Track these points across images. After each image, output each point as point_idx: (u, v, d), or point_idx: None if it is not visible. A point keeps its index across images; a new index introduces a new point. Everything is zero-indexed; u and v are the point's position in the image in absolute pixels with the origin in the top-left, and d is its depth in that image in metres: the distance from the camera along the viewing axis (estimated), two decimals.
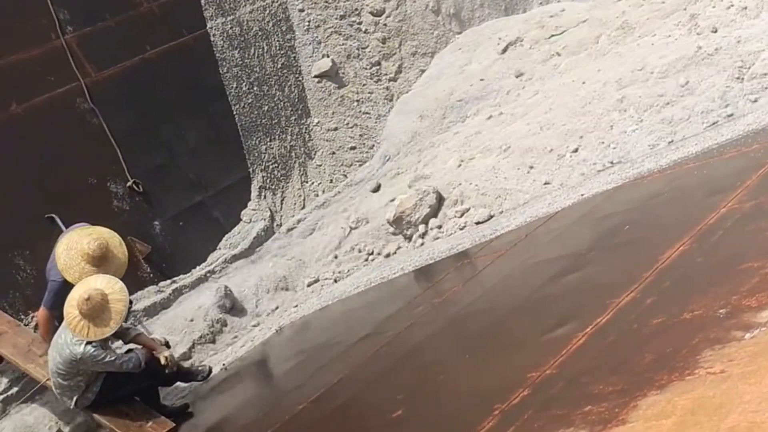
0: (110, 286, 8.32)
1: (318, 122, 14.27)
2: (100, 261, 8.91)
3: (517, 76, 13.90)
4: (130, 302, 8.80)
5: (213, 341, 11.04)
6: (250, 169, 13.21)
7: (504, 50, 14.67)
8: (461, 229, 10.63)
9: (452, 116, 14.00)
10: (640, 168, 9.13)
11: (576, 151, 10.67)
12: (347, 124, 14.42)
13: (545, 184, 10.39)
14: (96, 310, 8.05)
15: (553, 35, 14.37)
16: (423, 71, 15.59)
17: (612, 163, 10.00)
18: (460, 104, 14.05)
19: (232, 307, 11.35)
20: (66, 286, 8.79)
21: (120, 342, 9.12)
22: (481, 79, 14.25)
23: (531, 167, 10.90)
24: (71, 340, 8.13)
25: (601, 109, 11.17)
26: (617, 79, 11.56)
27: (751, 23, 11.18)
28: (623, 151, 10.13)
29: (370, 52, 15.23)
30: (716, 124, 9.51)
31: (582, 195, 9.19)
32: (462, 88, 14.28)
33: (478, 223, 10.57)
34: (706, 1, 12.44)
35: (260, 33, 14.28)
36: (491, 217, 10.52)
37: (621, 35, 13.28)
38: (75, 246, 8.97)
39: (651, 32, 12.67)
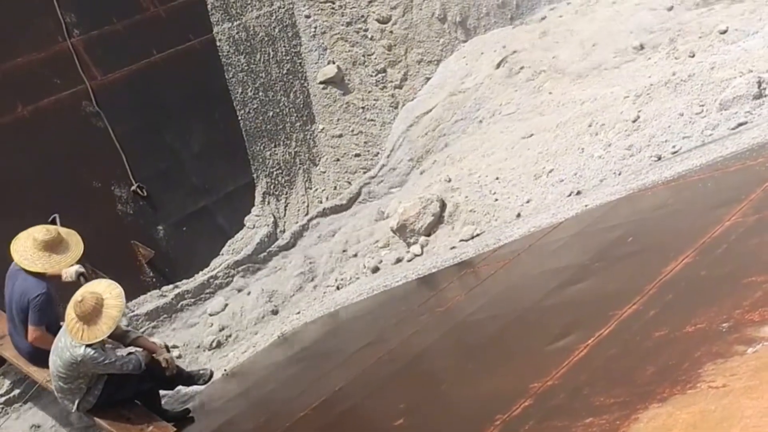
0: (109, 290, 8.31)
1: (323, 129, 14.28)
2: (52, 245, 8.99)
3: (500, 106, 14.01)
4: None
5: None
6: (254, 175, 13.21)
7: (498, 65, 14.72)
8: (452, 248, 10.69)
9: (437, 144, 14.13)
10: (612, 189, 9.21)
11: (551, 172, 10.78)
12: (352, 130, 14.43)
13: (527, 202, 10.57)
14: (89, 314, 8.05)
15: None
16: (428, 79, 15.60)
17: (577, 191, 10.16)
18: (443, 138, 14.17)
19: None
20: (48, 299, 8.83)
21: (120, 345, 9.12)
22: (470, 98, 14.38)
23: (515, 186, 11.02)
24: (70, 342, 8.14)
25: (574, 132, 11.30)
26: (592, 100, 11.70)
27: (728, 49, 11.28)
28: (588, 177, 10.29)
29: (375, 59, 15.24)
30: (676, 151, 9.84)
31: (586, 206, 9.19)
32: (448, 116, 14.40)
33: (462, 240, 10.65)
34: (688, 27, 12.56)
35: (266, 38, 14.30)
36: (477, 234, 10.60)
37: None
38: (27, 238, 9.06)
39: (633, 56, 12.78)
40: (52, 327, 8.88)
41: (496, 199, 11.02)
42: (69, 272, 9.09)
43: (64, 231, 9.30)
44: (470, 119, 14.12)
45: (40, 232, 9.05)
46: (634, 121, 10.95)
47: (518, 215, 10.37)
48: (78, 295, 8.16)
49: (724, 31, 11.77)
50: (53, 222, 10.21)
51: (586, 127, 11.34)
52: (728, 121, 9.89)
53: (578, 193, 10.22)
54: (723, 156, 8.50)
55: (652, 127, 10.66)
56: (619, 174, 10.04)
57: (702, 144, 9.63)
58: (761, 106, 9.86)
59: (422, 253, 11.07)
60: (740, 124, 9.69)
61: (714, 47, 11.58)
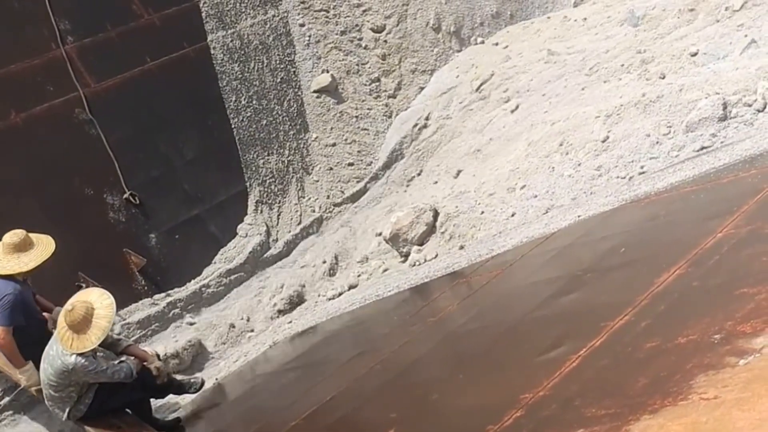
0: (100, 300, 8.29)
1: (316, 137, 14.27)
2: (20, 247, 9.02)
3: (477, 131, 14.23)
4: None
5: None
6: (247, 183, 13.21)
7: (478, 88, 14.81)
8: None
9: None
10: (585, 208, 9.27)
11: (524, 188, 10.88)
12: (346, 140, 14.43)
13: (512, 215, 10.68)
14: (79, 323, 8.02)
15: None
16: (422, 88, 15.62)
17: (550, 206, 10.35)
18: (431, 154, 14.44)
19: None
20: (15, 299, 8.80)
21: (112, 353, 9.09)
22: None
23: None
24: (61, 351, 8.11)
25: (545, 151, 11.53)
26: (564, 119, 11.81)
27: (698, 71, 11.36)
28: (558, 194, 10.40)
29: (369, 68, 15.25)
30: (643, 171, 9.95)
31: (579, 216, 9.19)
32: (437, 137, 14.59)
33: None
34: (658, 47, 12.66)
35: (260, 47, 14.30)
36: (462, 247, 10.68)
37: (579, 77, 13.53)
38: None
39: (606, 76, 12.86)
40: (31, 329, 8.86)
41: (482, 212, 11.07)
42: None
43: (34, 235, 9.29)
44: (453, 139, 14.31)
45: (8, 236, 9.07)
46: (603, 141, 11.10)
47: (500, 232, 10.43)
48: (69, 304, 8.14)
49: (695, 54, 11.94)
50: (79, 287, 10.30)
51: (557, 146, 11.46)
52: (694, 142, 10.01)
53: (546, 211, 10.41)
54: (716, 167, 8.51)
55: (621, 147, 10.77)
56: (591, 193, 10.14)
57: (669, 165, 9.75)
58: (726, 128, 9.95)
59: (420, 261, 11.11)
60: (703, 148, 9.84)
61: (684, 69, 11.72)
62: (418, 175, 14.01)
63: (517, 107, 13.78)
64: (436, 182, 13.17)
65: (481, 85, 14.78)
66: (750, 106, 10.07)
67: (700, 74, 11.25)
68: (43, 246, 9.25)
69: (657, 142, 10.41)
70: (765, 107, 9.95)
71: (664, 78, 11.76)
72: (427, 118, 14.69)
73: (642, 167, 10.09)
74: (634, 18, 13.82)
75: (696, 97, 10.58)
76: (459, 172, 12.90)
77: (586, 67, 13.49)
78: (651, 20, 13.65)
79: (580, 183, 10.48)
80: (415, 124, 14.65)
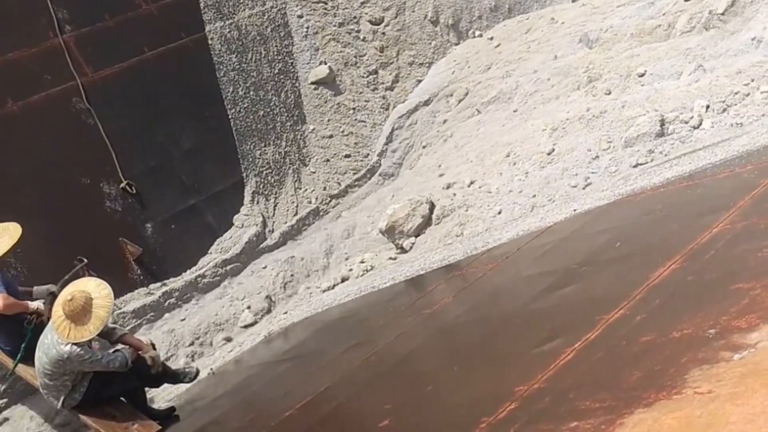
0: (98, 290, 8.28)
1: (313, 129, 14.28)
2: None
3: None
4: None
5: None
6: (244, 174, 13.21)
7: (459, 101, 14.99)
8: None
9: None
10: (601, 194, 9.37)
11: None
12: (343, 131, 14.43)
13: (499, 213, 10.86)
14: (78, 313, 8.02)
15: None
16: (420, 81, 15.63)
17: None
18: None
19: None
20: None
21: (107, 342, 9.09)
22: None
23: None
24: (57, 340, 8.11)
25: (492, 162, 12.00)
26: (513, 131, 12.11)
27: (641, 89, 11.77)
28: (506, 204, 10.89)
29: (367, 60, 15.25)
30: (589, 183, 10.29)
31: (575, 210, 9.20)
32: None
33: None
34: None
35: (258, 38, 14.29)
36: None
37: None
38: None
39: (556, 95, 13.21)
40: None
41: (467, 209, 11.20)
42: (39, 291, 9.20)
43: (2, 224, 9.36)
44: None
45: None
46: (548, 154, 11.47)
47: (487, 229, 10.53)
48: (67, 294, 8.13)
49: (642, 74, 12.28)
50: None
51: (504, 156, 12.01)
52: (631, 157, 10.30)
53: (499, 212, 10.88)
54: (712, 163, 8.52)
55: (565, 161, 11.10)
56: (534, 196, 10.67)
57: (608, 176, 10.11)
58: (663, 144, 10.25)
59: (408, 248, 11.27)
60: (638, 164, 10.09)
61: (630, 88, 12.08)
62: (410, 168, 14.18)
63: (478, 122, 14.24)
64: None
65: (459, 102, 14.88)
66: (686, 123, 10.43)
67: (642, 91, 11.62)
68: (9, 234, 9.29)
69: (597, 157, 10.77)
70: (700, 124, 10.31)
71: (609, 94, 12.10)
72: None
73: (587, 179, 10.44)
74: (589, 41, 14.12)
75: (636, 114, 10.93)
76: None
77: (541, 82, 13.89)
78: (604, 43, 13.92)
79: (528, 189, 10.87)
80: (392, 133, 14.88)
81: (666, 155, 9.99)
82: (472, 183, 11.88)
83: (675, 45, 12.46)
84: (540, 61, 14.57)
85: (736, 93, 10.45)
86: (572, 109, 12.14)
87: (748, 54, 11.17)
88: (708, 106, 10.48)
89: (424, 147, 14.55)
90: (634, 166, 10.09)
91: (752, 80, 10.51)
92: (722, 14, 11.90)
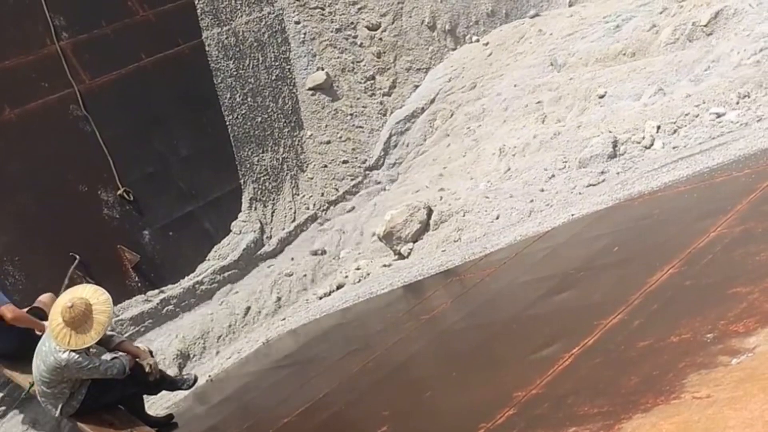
0: (96, 296, 8.25)
1: (311, 135, 14.27)
2: None
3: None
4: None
5: None
6: (242, 181, 13.21)
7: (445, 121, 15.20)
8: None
9: None
10: (599, 199, 9.44)
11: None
12: (340, 137, 14.43)
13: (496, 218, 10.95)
14: (78, 319, 7.98)
15: None
16: (417, 86, 15.63)
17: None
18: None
19: None
20: None
21: (104, 349, 9.07)
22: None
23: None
24: (55, 347, 8.08)
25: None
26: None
27: (597, 109, 12.18)
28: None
29: (365, 66, 15.25)
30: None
31: (572, 215, 9.20)
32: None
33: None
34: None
35: (255, 44, 14.30)
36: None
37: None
38: None
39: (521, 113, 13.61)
40: None
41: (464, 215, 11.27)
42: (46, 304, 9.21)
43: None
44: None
45: None
46: (505, 172, 11.90)
47: (485, 234, 10.58)
48: (66, 301, 8.08)
49: (603, 96, 12.54)
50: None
51: (466, 176, 12.54)
52: (584, 177, 10.58)
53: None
54: (709, 167, 8.52)
55: (521, 178, 11.47)
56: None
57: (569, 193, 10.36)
58: (615, 165, 10.56)
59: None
60: (590, 185, 10.34)
61: (589, 109, 12.32)
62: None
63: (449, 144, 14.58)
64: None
65: (443, 123, 14.99)
66: (638, 143, 10.70)
67: (599, 113, 11.87)
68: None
69: (553, 176, 11.06)
70: (652, 144, 10.58)
71: (570, 111, 12.37)
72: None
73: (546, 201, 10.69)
74: (558, 65, 14.32)
75: (591, 135, 11.24)
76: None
77: (508, 102, 14.23)
78: (570, 66, 14.09)
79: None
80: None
81: (617, 176, 10.24)
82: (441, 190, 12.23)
83: (638, 67, 12.71)
84: (518, 76, 14.76)
85: (686, 114, 10.71)
86: (532, 129, 12.59)
87: (707, 76, 11.35)
88: (659, 127, 10.75)
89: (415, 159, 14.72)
90: (587, 187, 10.35)
91: (703, 102, 10.75)
92: (705, 26, 12.03)
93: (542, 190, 10.76)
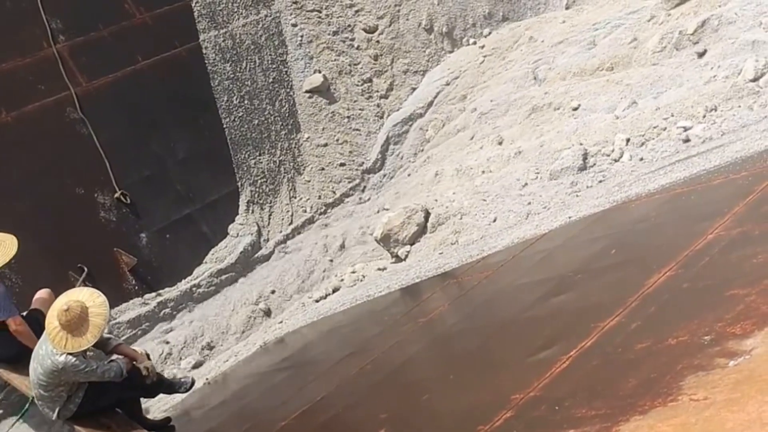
0: (92, 299, 8.23)
1: (308, 138, 14.27)
2: None
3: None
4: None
5: None
6: (239, 183, 13.20)
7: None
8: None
9: None
10: (596, 201, 9.47)
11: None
12: (337, 140, 14.43)
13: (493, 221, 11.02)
14: (75, 322, 7.97)
15: None
16: (414, 89, 15.63)
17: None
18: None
19: None
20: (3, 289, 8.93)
21: (101, 353, 9.06)
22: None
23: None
24: (51, 350, 8.07)
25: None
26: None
27: (570, 122, 12.44)
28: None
29: (362, 68, 15.25)
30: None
31: (570, 217, 9.20)
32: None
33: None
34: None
35: (253, 47, 14.29)
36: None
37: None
38: None
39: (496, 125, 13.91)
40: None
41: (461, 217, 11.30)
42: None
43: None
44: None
45: None
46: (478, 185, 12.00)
47: (482, 236, 10.60)
48: (62, 304, 8.06)
49: (576, 108, 12.67)
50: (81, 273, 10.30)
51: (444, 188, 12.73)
52: (556, 188, 10.76)
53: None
54: (706, 169, 8.52)
55: (495, 188, 11.59)
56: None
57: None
58: (585, 177, 10.68)
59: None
60: (528, 214, 10.49)
61: (562, 121, 12.48)
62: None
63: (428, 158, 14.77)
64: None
65: (436, 132, 15.08)
66: (608, 156, 10.83)
67: (571, 125, 12.04)
68: (4, 248, 9.23)
69: (526, 185, 11.22)
70: (621, 157, 10.69)
71: (543, 125, 12.63)
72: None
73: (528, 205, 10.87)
74: (539, 79, 14.44)
75: (562, 147, 11.38)
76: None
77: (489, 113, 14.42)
78: (549, 81, 14.19)
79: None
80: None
81: (585, 190, 10.42)
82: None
83: (614, 79, 12.82)
84: (497, 91, 14.94)
85: (655, 127, 10.82)
86: (490, 151, 12.91)
87: (678, 89, 11.48)
88: (629, 140, 10.87)
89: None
90: (528, 204, 10.59)
91: (672, 115, 10.86)
92: (692, 34, 12.09)
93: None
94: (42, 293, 9.47)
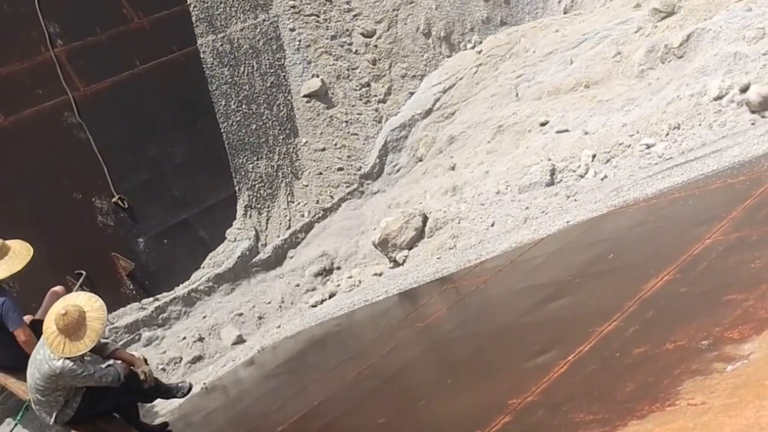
0: (89, 303, 8.22)
1: (306, 142, 14.27)
2: None
3: None
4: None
5: None
6: (237, 188, 13.19)
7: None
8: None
9: None
10: (594, 206, 9.50)
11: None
12: (335, 144, 14.42)
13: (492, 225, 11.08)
14: (72, 327, 7.95)
15: None
16: (412, 93, 15.62)
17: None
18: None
19: None
20: (11, 299, 8.87)
21: (99, 357, 9.05)
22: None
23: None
24: (49, 355, 8.05)
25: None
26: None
27: (540, 137, 12.63)
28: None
29: (360, 73, 15.25)
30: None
31: (567, 222, 9.20)
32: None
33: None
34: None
35: (250, 51, 14.29)
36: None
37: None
38: None
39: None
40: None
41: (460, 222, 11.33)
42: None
43: (10, 241, 9.24)
44: None
45: None
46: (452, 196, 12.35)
47: (480, 241, 10.64)
48: (60, 308, 8.05)
49: (544, 123, 12.93)
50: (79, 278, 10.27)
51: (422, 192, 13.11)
52: (525, 201, 10.94)
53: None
54: (704, 174, 8.53)
55: (471, 200, 11.78)
56: None
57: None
58: (551, 193, 10.85)
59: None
60: (527, 215, 10.56)
61: (531, 135, 12.74)
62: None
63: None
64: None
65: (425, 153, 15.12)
66: (574, 172, 11.01)
67: (540, 140, 12.23)
68: (16, 256, 9.18)
69: (500, 197, 11.39)
70: (586, 173, 10.89)
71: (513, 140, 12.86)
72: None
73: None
74: (519, 97, 14.66)
75: (531, 162, 11.61)
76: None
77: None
78: (526, 98, 14.38)
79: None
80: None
81: (553, 207, 10.53)
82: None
83: (588, 95, 12.97)
84: (476, 112, 15.10)
85: (620, 144, 10.99)
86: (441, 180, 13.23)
87: (648, 103, 11.62)
88: (594, 156, 11.04)
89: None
90: (526, 209, 10.66)
91: (637, 132, 11.00)
92: (677, 48, 12.18)
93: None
94: (58, 288, 9.47)
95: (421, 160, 14.75)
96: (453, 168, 13.64)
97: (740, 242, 6.25)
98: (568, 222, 9.22)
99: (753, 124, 9.92)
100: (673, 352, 4.92)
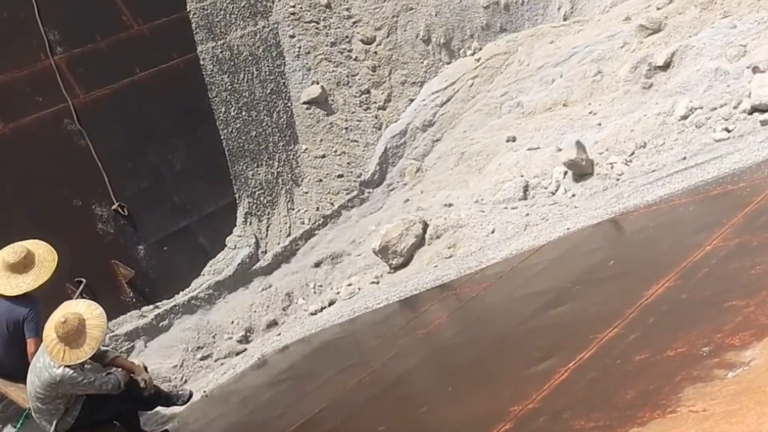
0: (89, 311, 8.22)
1: (306, 149, 14.26)
2: (23, 266, 8.90)
3: None
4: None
5: None
6: (237, 195, 13.18)
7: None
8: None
9: None
10: (594, 213, 9.50)
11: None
12: (335, 151, 14.42)
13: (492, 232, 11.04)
14: (72, 334, 7.95)
15: None
16: (412, 100, 15.62)
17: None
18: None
19: None
20: (39, 309, 8.82)
21: (99, 365, 9.04)
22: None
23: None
24: (49, 363, 8.05)
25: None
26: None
27: (511, 154, 12.88)
28: None
29: (359, 79, 15.25)
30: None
31: (568, 229, 9.20)
32: None
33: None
34: None
35: (250, 58, 14.29)
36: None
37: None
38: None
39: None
40: None
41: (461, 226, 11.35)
42: None
43: (32, 243, 9.19)
44: None
45: (8, 254, 8.94)
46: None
47: (480, 248, 10.65)
48: (60, 316, 8.05)
49: (511, 140, 13.28)
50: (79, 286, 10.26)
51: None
52: (525, 208, 11.00)
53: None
54: (705, 180, 8.53)
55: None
56: None
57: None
58: (525, 209, 10.95)
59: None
60: (526, 225, 10.54)
61: (502, 151, 13.02)
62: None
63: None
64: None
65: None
66: (546, 188, 11.16)
67: (512, 157, 12.42)
68: (41, 264, 9.13)
69: (481, 211, 11.44)
70: (557, 190, 11.04)
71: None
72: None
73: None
74: (500, 114, 14.78)
75: (504, 179, 11.80)
76: None
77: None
78: (508, 118, 14.49)
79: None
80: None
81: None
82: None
83: (565, 114, 13.08)
84: (454, 136, 15.23)
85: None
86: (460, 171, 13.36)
87: (618, 121, 11.77)
88: (566, 173, 11.14)
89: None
90: (526, 215, 10.69)
91: (606, 149, 11.09)
92: (661, 66, 12.33)
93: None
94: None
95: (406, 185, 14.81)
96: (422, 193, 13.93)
97: (741, 249, 6.25)
98: (568, 229, 9.22)
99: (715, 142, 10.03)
100: (674, 358, 4.92)
